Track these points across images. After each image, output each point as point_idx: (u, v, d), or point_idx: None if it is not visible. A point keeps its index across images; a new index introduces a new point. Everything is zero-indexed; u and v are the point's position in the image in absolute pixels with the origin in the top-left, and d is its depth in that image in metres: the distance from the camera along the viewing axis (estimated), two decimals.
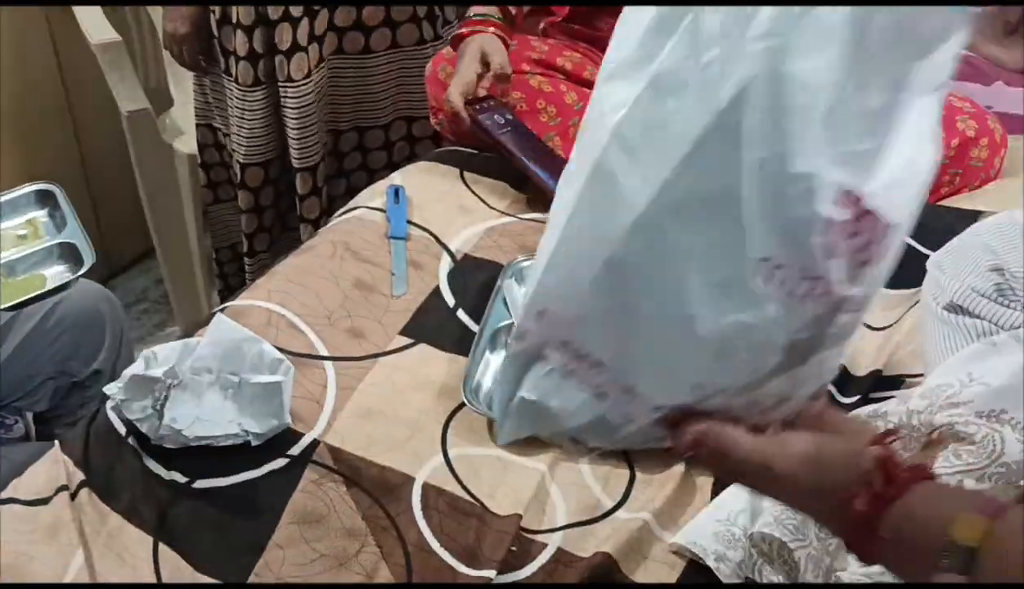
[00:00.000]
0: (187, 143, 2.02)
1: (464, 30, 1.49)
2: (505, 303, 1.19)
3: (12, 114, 2.03)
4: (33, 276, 1.19)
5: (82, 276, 1.20)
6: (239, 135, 1.77)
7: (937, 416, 0.77)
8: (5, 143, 2.03)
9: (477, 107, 1.45)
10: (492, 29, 1.48)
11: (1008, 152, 1.46)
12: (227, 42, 1.71)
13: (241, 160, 1.79)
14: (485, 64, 1.45)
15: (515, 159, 1.41)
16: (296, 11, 1.63)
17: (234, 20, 1.67)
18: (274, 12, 1.64)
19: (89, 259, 1.19)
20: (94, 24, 1.91)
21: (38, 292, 1.16)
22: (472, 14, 1.50)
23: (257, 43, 1.68)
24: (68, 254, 1.23)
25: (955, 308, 0.90)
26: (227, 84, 1.76)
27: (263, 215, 1.86)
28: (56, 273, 1.21)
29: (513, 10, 1.52)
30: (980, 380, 0.76)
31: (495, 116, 1.46)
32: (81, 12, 1.93)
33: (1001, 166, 1.45)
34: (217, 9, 1.70)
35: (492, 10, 1.49)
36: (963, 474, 0.75)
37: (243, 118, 1.75)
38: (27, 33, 2.02)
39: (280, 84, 1.70)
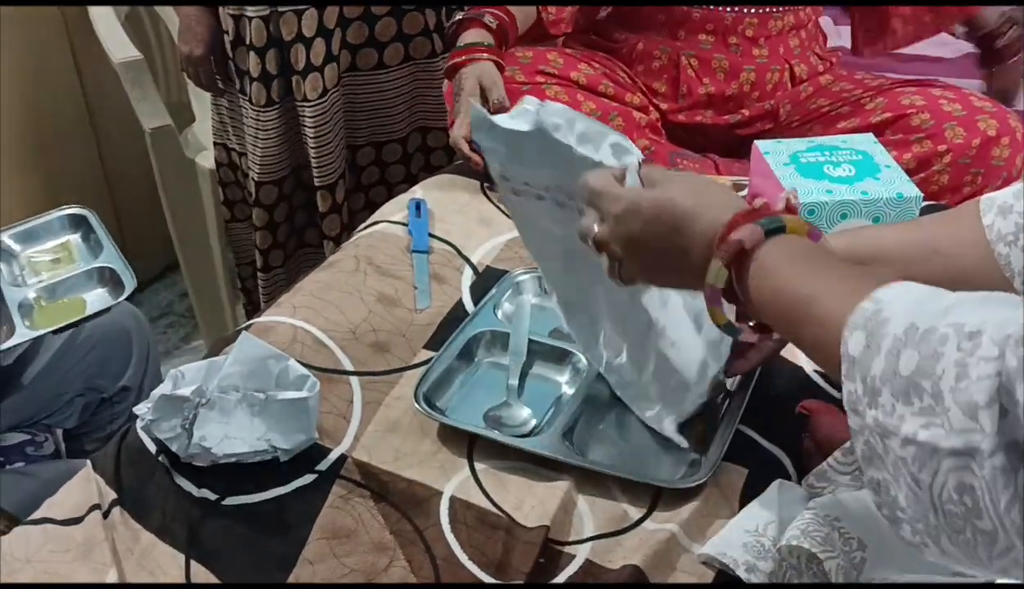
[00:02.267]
0: (209, 158, 2.04)
1: (456, 60, 1.46)
2: (494, 311, 1.20)
3: (36, 133, 2.06)
4: (73, 299, 1.21)
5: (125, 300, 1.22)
6: (254, 154, 1.79)
7: None
8: (29, 161, 2.06)
9: None
10: (485, 56, 1.45)
11: None
12: (241, 63, 1.73)
13: (256, 178, 1.81)
14: (484, 98, 1.43)
15: None
16: (308, 31, 1.65)
17: (247, 41, 1.69)
18: (287, 33, 1.65)
19: (130, 284, 1.22)
20: (115, 42, 1.93)
21: (80, 317, 1.18)
22: (463, 43, 1.47)
23: (270, 64, 1.70)
24: (106, 278, 1.25)
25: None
26: (243, 103, 1.78)
27: (277, 231, 1.88)
28: (96, 296, 1.23)
29: (508, 29, 1.50)
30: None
31: None
32: (102, 30, 1.95)
33: (1023, 165, 1.45)
34: (231, 30, 1.71)
35: (483, 36, 1.47)
36: None
37: (257, 137, 1.77)
38: (49, 53, 2.05)
39: (297, 103, 1.71)
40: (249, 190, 1.86)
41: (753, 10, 1.56)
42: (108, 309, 1.20)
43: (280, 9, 1.65)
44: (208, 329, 2.23)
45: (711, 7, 1.56)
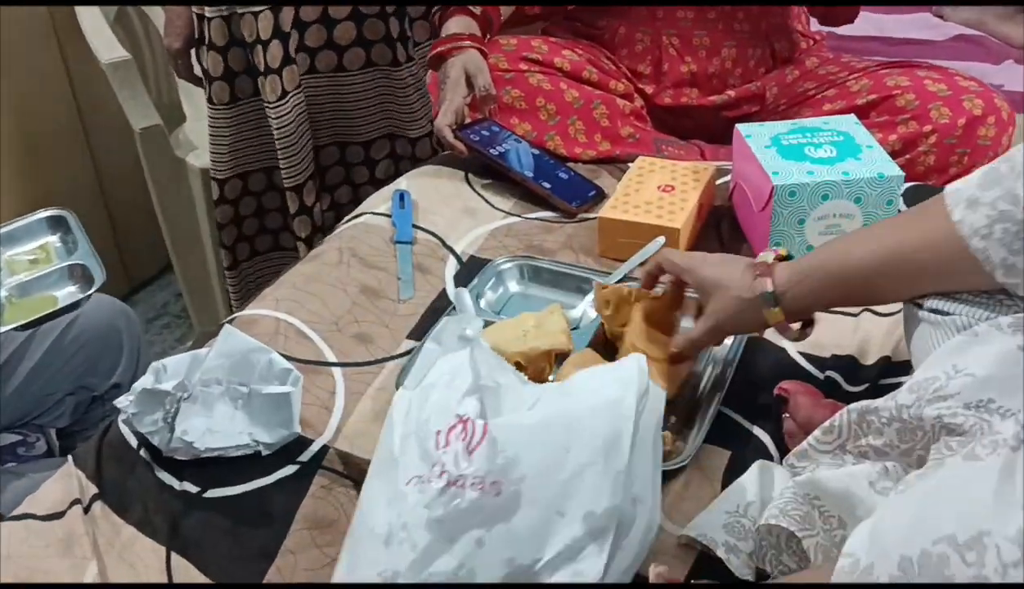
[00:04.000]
0: (200, 157, 2.04)
1: (442, 48, 1.46)
2: (477, 300, 1.20)
3: (27, 135, 2.06)
4: (45, 297, 1.21)
5: (93, 294, 1.21)
6: (213, 151, 1.80)
7: (926, 410, 0.77)
8: (21, 163, 2.06)
9: (469, 132, 1.45)
10: (469, 44, 1.44)
11: (1016, 130, 1.45)
12: (203, 62, 1.74)
13: (216, 175, 1.81)
14: (470, 86, 1.43)
15: (514, 173, 1.42)
16: (265, 33, 1.64)
17: (207, 40, 1.70)
18: (248, 34, 1.66)
19: (99, 278, 1.21)
20: (103, 43, 1.93)
21: (49, 311, 1.17)
22: (446, 32, 1.46)
23: (234, 63, 1.70)
24: (80, 275, 1.25)
25: (935, 310, 0.90)
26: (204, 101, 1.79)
27: (243, 225, 1.89)
28: (67, 293, 1.22)
29: (492, 15, 1.49)
30: (965, 371, 0.76)
31: (485, 133, 1.45)
32: (90, 31, 1.95)
33: (1009, 144, 1.44)
34: (195, 30, 1.72)
35: (466, 23, 1.46)
36: None
37: (216, 134, 1.78)
38: (39, 54, 2.05)
39: (266, 104, 1.72)
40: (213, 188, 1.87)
41: None
42: (77, 304, 1.20)
43: (238, 11, 1.65)
44: (203, 329, 2.23)
45: None
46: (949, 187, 0.83)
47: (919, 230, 0.85)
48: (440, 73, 1.46)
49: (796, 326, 0.99)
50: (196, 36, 1.74)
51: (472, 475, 0.75)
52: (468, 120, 1.46)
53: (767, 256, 0.98)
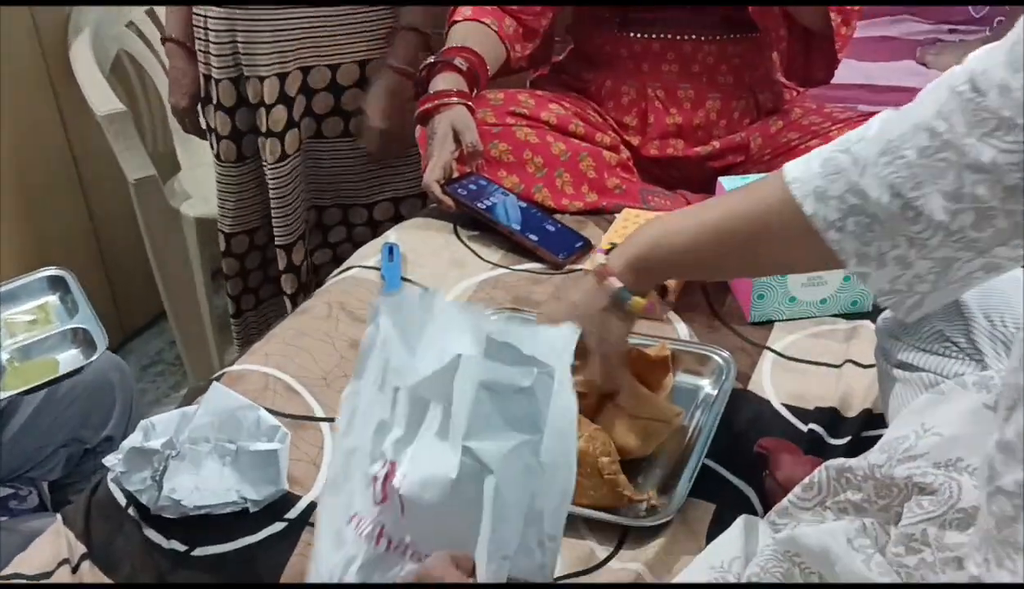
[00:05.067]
0: (194, 207, 2.07)
1: (428, 105, 1.48)
2: None
3: (23, 185, 2.08)
4: (46, 360, 1.23)
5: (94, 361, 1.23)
6: (221, 206, 1.84)
7: (897, 470, 0.78)
8: (17, 213, 2.08)
9: (457, 186, 1.47)
10: (456, 100, 1.46)
11: None
12: (211, 120, 1.77)
13: (223, 229, 1.85)
14: (458, 142, 1.44)
15: (501, 227, 1.44)
16: (269, 98, 1.68)
17: (214, 101, 1.73)
18: (253, 96, 1.69)
19: (102, 344, 1.22)
20: (99, 95, 1.96)
21: (51, 377, 1.19)
22: (433, 89, 1.48)
23: (241, 122, 1.74)
24: (81, 339, 1.26)
25: (904, 365, 0.92)
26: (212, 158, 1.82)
27: (248, 277, 1.92)
28: (69, 357, 1.24)
29: (479, 71, 1.51)
30: (933, 430, 0.77)
31: (472, 187, 1.47)
32: (85, 83, 1.98)
33: None
34: (202, 89, 1.76)
35: (454, 79, 1.48)
36: (925, 522, 0.75)
37: (224, 190, 1.82)
38: (34, 105, 2.08)
39: (264, 164, 1.74)
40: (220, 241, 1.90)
41: (711, 37, 1.58)
42: (80, 370, 1.22)
43: (245, 73, 1.69)
44: (196, 377, 2.25)
45: (669, 36, 1.58)
46: (788, 167, 0.85)
47: (769, 226, 0.87)
48: (428, 129, 1.48)
49: (655, 301, 1.04)
50: (203, 95, 1.78)
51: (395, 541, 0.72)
52: (456, 175, 1.48)
53: (597, 258, 1.02)
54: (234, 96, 1.73)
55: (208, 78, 1.74)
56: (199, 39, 1.74)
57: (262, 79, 1.68)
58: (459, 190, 1.46)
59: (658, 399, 1.08)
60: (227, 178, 1.81)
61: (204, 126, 1.85)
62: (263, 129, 1.71)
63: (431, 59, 1.53)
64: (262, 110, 1.70)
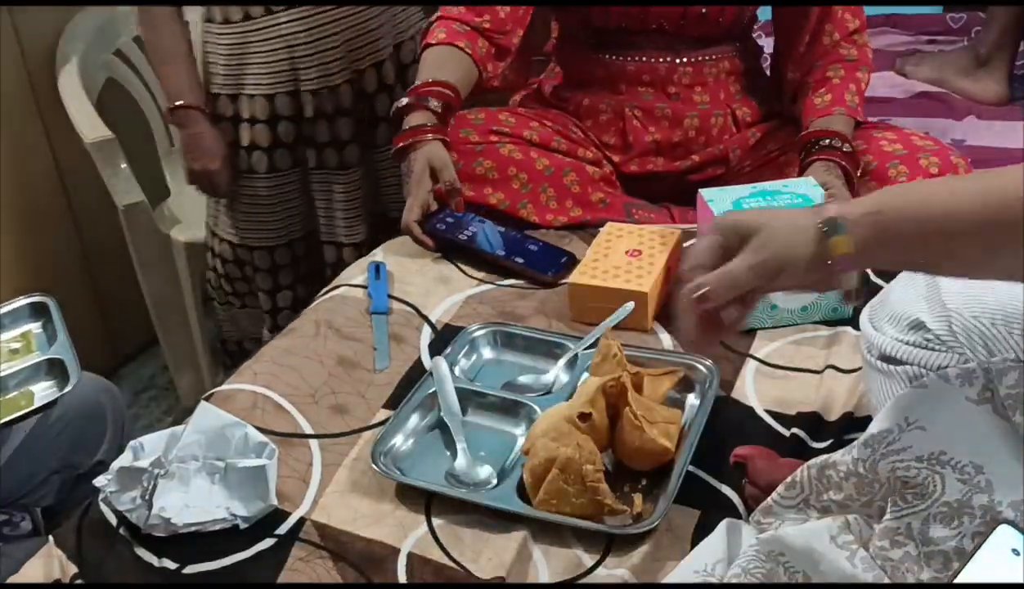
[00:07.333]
0: (184, 232, 2.08)
1: (403, 143, 1.48)
2: (452, 368, 1.22)
3: (13, 213, 2.10)
4: (23, 392, 1.23)
5: (67, 393, 1.23)
6: (263, 221, 1.90)
7: (880, 464, 0.79)
8: (8, 240, 2.09)
9: (435, 221, 1.48)
10: (431, 136, 1.46)
11: None
12: (255, 137, 1.84)
13: (265, 244, 1.91)
14: (435, 178, 1.45)
15: (485, 255, 1.46)
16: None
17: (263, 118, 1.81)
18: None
19: (75, 376, 1.22)
20: (87, 122, 1.98)
21: (24, 411, 1.20)
22: (407, 125, 1.48)
23: (286, 136, 1.83)
24: (57, 370, 1.26)
25: (888, 359, 0.93)
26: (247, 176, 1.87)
27: (276, 296, 1.96)
28: (43, 388, 1.24)
29: (453, 104, 1.51)
30: (916, 424, 0.79)
31: (450, 220, 1.48)
32: (74, 111, 2.00)
33: None
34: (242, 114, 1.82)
35: (427, 115, 1.48)
36: (909, 516, 0.77)
37: (274, 204, 1.88)
38: (23, 132, 2.09)
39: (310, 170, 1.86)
40: (251, 261, 1.94)
41: (685, 59, 1.60)
42: (53, 403, 1.22)
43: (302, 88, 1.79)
44: (188, 402, 2.25)
45: (644, 59, 1.60)
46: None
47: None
48: (404, 167, 1.49)
49: (854, 282, 0.85)
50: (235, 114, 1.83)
51: None
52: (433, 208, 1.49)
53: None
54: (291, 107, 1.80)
55: (252, 97, 1.79)
56: (232, 54, 1.77)
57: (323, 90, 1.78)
58: (438, 225, 1.47)
59: (658, 405, 1.10)
60: (271, 189, 1.87)
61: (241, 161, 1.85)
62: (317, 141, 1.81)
63: (404, 101, 1.51)
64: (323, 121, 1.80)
